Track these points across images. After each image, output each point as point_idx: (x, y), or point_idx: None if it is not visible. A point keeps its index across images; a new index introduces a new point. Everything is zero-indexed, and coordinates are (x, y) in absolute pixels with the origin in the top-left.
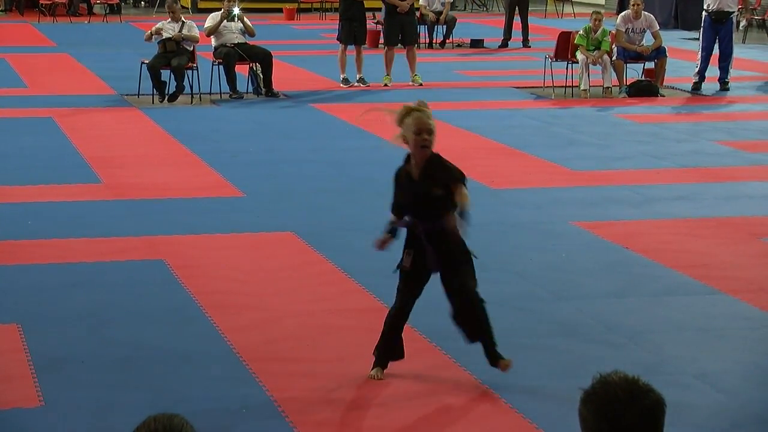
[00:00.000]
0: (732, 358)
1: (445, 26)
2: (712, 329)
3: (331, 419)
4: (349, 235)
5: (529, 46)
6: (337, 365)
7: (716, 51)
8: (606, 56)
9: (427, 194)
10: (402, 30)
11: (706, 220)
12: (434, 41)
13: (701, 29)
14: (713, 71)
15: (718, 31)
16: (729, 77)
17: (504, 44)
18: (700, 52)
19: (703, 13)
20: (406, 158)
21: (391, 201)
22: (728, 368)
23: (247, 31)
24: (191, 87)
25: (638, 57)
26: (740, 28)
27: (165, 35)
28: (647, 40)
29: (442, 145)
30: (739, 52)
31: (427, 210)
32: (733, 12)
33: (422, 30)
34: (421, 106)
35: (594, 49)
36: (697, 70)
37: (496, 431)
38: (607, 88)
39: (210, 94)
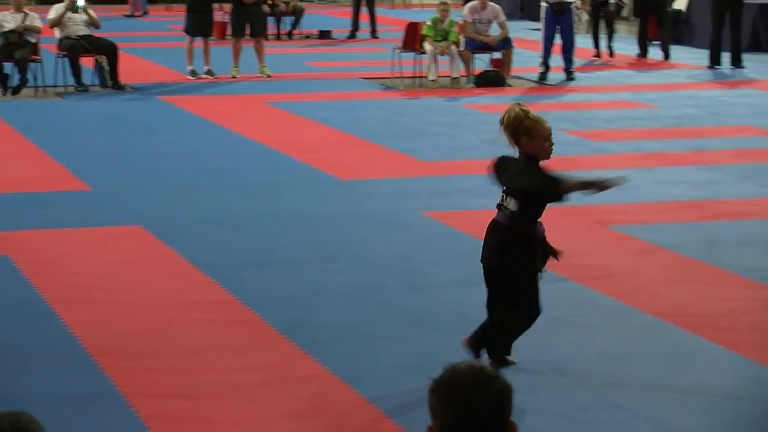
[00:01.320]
0: (580, 344)
1: (293, 17)
2: (560, 316)
3: (181, 412)
4: (199, 228)
5: (377, 37)
6: (186, 359)
7: (560, 41)
8: (453, 47)
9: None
10: (250, 21)
11: (554, 209)
12: (282, 32)
13: (543, 20)
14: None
15: (560, 22)
16: (573, 67)
17: (352, 35)
18: (542, 43)
19: (544, 3)
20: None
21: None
22: (576, 354)
23: (92, 23)
24: (35, 80)
25: (485, 47)
26: (582, 19)
27: (7, 27)
28: (494, 31)
29: (292, 137)
30: (583, 42)
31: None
32: (572, 2)
33: (270, 21)
34: (529, 111)
35: (441, 40)
36: (541, 60)
37: (347, 422)
38: (455, 78)
39: (55, 87)
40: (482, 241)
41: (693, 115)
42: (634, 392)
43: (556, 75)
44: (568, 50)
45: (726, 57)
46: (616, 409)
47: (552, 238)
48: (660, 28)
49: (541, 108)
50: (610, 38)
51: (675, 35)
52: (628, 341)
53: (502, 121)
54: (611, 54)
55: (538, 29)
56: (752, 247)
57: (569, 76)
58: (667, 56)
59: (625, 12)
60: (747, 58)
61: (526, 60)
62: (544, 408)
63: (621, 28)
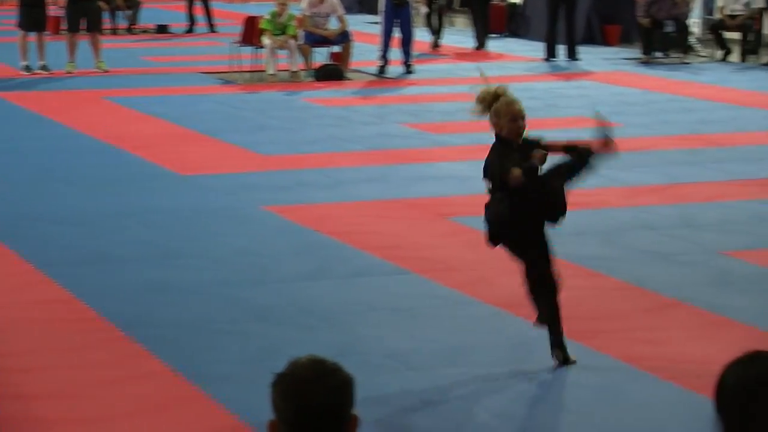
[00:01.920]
0: (422, 336)
1: (130, 11)
2: (403, 309)
3: (18, 413)
4: (34, 226)
5: (216, 31)
6: (21, 358)
7: (399, 35)
8: (292, 41)
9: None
10: (85, 15)
11: (395, 202)
12: (119, 27)
13: (381, 13)
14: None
15: (398, 15)
16: (412, 60)
17: (190, 29)
18: (381, 36)
19: None
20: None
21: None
22: (419, 346)
23: None
24: None
25: (324, 41)
26: (420, 13)
27: None
28: (332, 25)
29: (129, 133)
30: (422, 35)
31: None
32: None
33: (106, 15)
34: (506, 91)
35: (280, 34)
36: (380, 53)
37: (189, 418)
38: (295, 72)
39: None
40: (322, 234)
41: (530, 107)
42: (475, 382)
43: (395, 68)
44: (406, 43)
45: (562, 50)
46: (458, 399)
47: (393, 230)
48: (481, 18)
49: (380, 101)
50: (439, 31)
51: (511, 28)
52: (468, 332)
53: (477, 100)
54: (437, 45)
55: (377, 23)
56: (589, 237)
57: (408, 69)
58: (482, 45)
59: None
60: (582, 50)
61: (365, 53)
62: (388, 399)
63: (459, 21)
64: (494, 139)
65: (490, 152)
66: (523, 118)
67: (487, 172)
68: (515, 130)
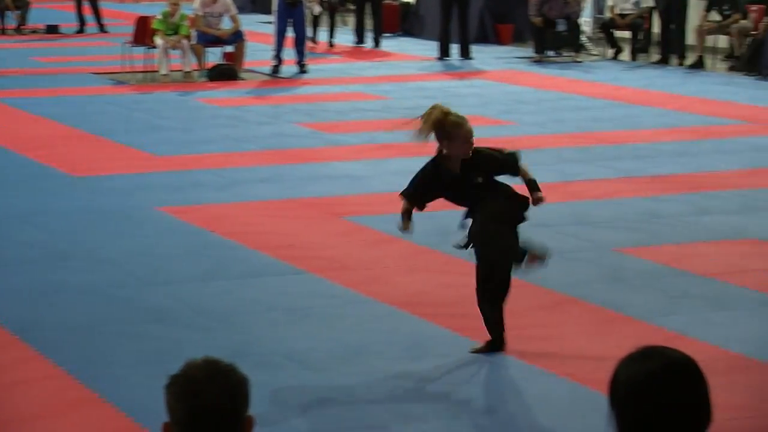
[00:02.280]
0: (318, 335)
1: (18, 11)
2: (298, 308)
3: None
4: None
5: (106, 32)
6: None
7: (293, 34)
8: (185, 41)
9: (471, 184)
10: None
11: (290, 201)
12: (8, 27)
13: (275, 13)
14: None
15: (292, 15)
16: (306, 60)
17: (80, 30)
18: (274, 36)
19: None
20: (439, 157)
21: (409, 190)
22: (314, 346)
23: None
24: None
25: (217, 41)
26: (314, 12)
27: None
28: (226, 24)
29: (20, 134)
30: (321, 36)
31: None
32: None
33: None
34: (451, 112)
35: (173, 34)
36: (273, 53)
37: (86, 422)
38: (188, 72)
39: None
40: (217, 234)
41: (425, 106)
42: (371, 381)
43: (288, 68)
44: (300, 43)
45: (455, 49)
46: (354, 398)
47: (288, 230)
48: (374, 16)
49: (274, 101)
50: (332, 30)
51: (405, 27)
52: (365, 331)
53: (423, 120)
54: (331, 45)
55: (270, 22)
56: None
57: (302, 68)
58: (377, 44)
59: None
60: (475, 49)
61: (258, 53)
62: (284, 400)
63: (351, 20)
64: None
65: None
66: (472, 136)
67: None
68: (465, 151)
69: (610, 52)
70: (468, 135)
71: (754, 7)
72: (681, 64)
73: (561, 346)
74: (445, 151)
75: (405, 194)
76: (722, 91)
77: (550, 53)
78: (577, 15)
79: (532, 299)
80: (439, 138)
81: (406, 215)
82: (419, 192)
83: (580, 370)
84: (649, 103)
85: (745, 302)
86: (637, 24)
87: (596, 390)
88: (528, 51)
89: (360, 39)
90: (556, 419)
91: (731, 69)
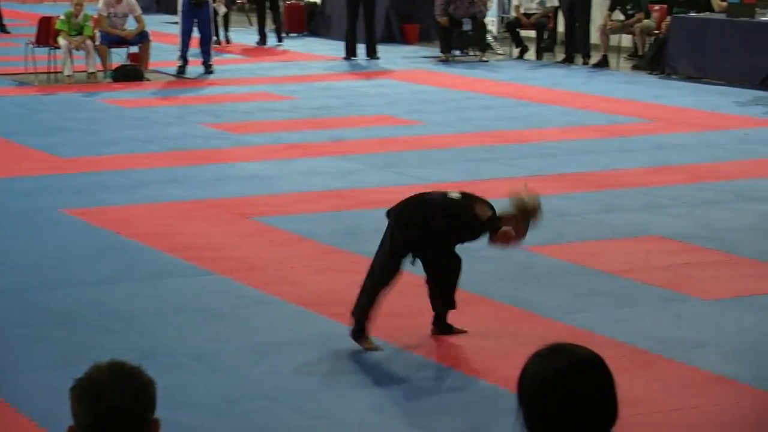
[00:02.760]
0: (226, 336)
1: None
2: (206, 310)
3: None
4: None
5: (8, 32)
6: None
7: (198, 35)
8: (89, 41)
9: None
10: None
11: (197, 202)
12: None
13: (180, 13)
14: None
15: (197, 15)
16: (212, 60)
17: None
18: (180, 36)
19: None
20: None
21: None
22: (223, 347)
23: None
24: None
25: (122, 41)
26: (220, 13)
27: None
28: (130, 25)
29: None
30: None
31: None
32: None
33: None
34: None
35: (76, 34)
36: (179, 54)
37: None
38: (92, 73)
39: None
40: (123, 236)
41: (331, 105)
42: (281, 382)
43: (194, 68)
44: (206, 43)
45: (361, 49)
46: (263, 399)
47: (195, 231)
48: (273, 14)
49: (180, 102)
50: (226, 27)
51: (311, 28)
52: (274, 332)
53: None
54: (227, 42)
55: (176, 22)
56: None
57: (208, 69)
58: (279, 40)
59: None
60: (381, 49)
61: (164, 54)
62: (192, 402)
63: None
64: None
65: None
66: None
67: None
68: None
69: (516, 51)
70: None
71: (656, 7)
72: (586, 63)
73: (470, 345)
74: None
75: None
76: (626, 89)
77: (457, 53)
78: (483, 15)
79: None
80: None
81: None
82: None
83: (488, 368)
84: (555, 102)
85: (650, 299)
86: (542, 23)
87: (504, 388)
88: (434, 50)
89: (262, 38)
90: (462, 417)
91: (635, 68)
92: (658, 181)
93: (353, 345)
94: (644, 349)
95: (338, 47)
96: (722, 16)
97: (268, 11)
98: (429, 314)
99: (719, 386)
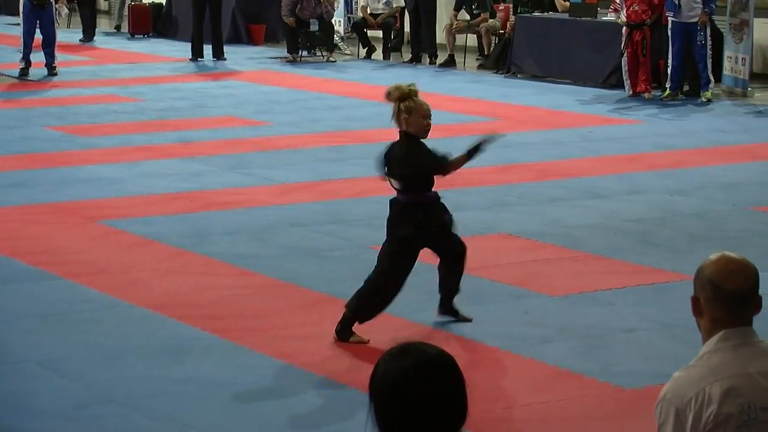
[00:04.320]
0: (74, 341)
1: None
2: (52, 314)
3: None
4: None
5: None
6: None
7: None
8: None
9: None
10: None
11: (42, 206)
12: None
13: (21, 14)
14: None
15: (39, 16)
16: (55, 62)
17: None
18: (22, 38)
19: None
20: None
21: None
22: (71, 352)
23: None
24: None
25: None
26: (62, 14)
27: None
28: None
29: None
30: (66, 36)
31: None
32: None
33: None
34: (415, 90)
35: None
36: (21, 56)
37: None
38: None
39: None
40: None
41: (178, 107)
42: (131, 386)
43: (37, 70)
44: (48, 45)
45: (208, 50)
46: (113, 404)
47: (41, 235)
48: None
49: (24, 104)
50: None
51: (158, 29)
52: (122, 335)
53: (387, 96)
54: None
55: (18, 24)
56: (241, 236)
57: (51, 71)
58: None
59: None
60: (228, 50)
61: (6, 56)
62: (41, 409)
63: (102, 21)
64: (402, 136)
65: (409, 147)
66: (430, 116)
67: (408, 165)
68: (424, 128)
69: (363, 51)
70: (425, 111)
71: (501, 7)
72: (432, 63)
73: (320, 345)
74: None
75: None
76: (472, 88)
77: (304, 53)
78: (330, 15)
79: (290, 299)
80: (399, 113)
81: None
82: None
83: (339, 368)
84: None
85: (499, 296)
86: (389, 24)
87: (355, 387)
88: (281, 51)
89: (87, 35)
90: (316, 418)
91: (481, 67)
92: (506, 179)
93: (202, 346)
94: (494, 346)
95: (185, 48)
96: (565, 16)
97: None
98: (281, 314)
99: (566, 381)
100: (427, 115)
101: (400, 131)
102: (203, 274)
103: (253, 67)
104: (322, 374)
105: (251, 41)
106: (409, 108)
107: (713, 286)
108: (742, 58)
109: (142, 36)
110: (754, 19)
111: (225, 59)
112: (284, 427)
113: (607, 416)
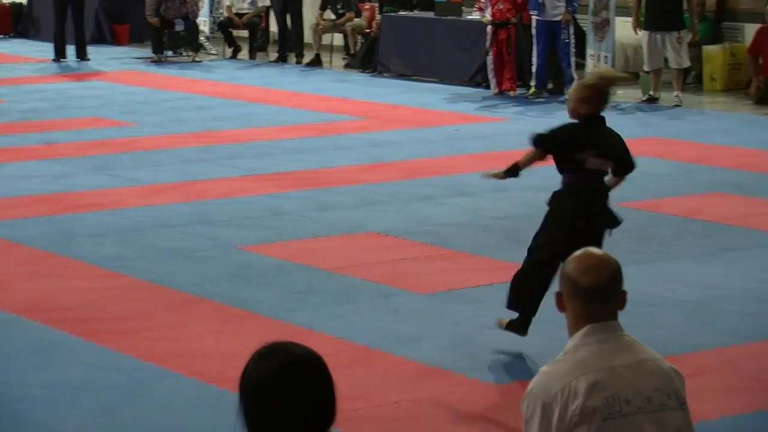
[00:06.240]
0: None
1: None
2: None
3: None
4: None
5: None
6: None
7: None
8: None
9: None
10: None
11: None
12: None
13: None
14: None
15: None
16: None
17: None
18: None
19: None
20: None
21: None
22: None
23: None
24: None
25: None
26: None
27: None
28: None
29: None
30: None
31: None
32: None
33: None
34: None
35: None
36: None
37: None
38: None
39: None
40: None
41: (41, 108)
42: None
43: None
44: None
45: (71, 50)
46: None
47: None
48: None
49: None
50: None
51: (19, 29)
52: None
53: (591, 85)
54: None
55: None
56: (107, 237)
57: None
58: None
59: None
60: (92, 50)
61: None
62: None
63: None
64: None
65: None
66: None
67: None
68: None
69: (229, 51)
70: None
71: (366, 6)
72: (299, 63)
73: (189, 346)
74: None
75: (538, 139)
76: (339, 88)
77: (169, 53)
78: (195, 15)
79: (158, 301)
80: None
81: (513, 169)
82: (557, 139)
83: (208, 370)
84: (269, 102)
85: (368, 295)
86: (255, 23)
87: (224, 388)
88: (146, 51)
89: None
90: (184, 420)
91: (347, 66)
92: (373, 178)
93: (69, 349)
94: (363, 344)
95: (47, 49)
96: (431, 15)
97: None
98: (149, 317)
99: (436, 378)
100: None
101: (580, 115)
102: (69, 276)
103: (118, 68)
104: (192, 375)
105: (115, 42)
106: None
107: (571, 281)
108: (605, 57)
109: (2, 36)
110: (616, 18)
111: (89, 60)
112: (154, 429)
113: (476, 412)
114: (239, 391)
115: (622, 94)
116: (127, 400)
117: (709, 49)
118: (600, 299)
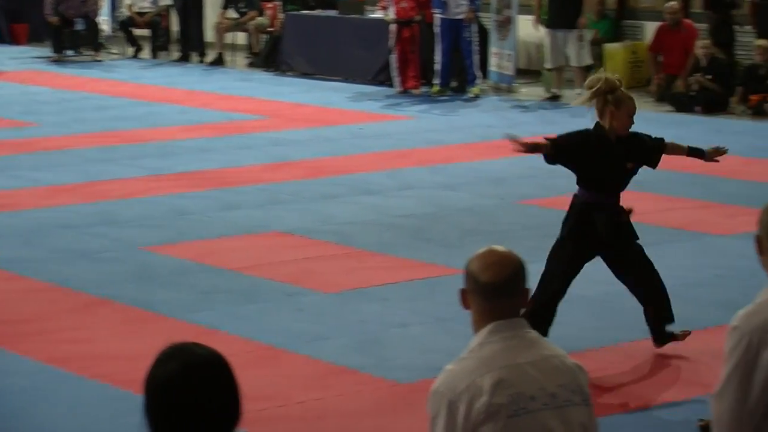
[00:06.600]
0: None
1: None
2: None
3: None
4: None
5: None
6: None
7: None
8: None
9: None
10: None
11: None
12: None
13: None
14: None
15: None
16: None
17: None
18: None
19: None
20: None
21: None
22: None
23: None
24: None
25: None
26: None
27: None
28: None
29: None
30: None
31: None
32: None
33: None
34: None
35: None
36: None
37: None
38: None
39: None
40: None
41: None
42: None
43: None
44: None
45: None
46: None
47: None
48: None
49: None
50: None
51: None
52: None
53: (592, 87)
54: None
55: None
56: (8, 239)
57: None
58: None
59: None
60: None
61: None
62: None
63: None
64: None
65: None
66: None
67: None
68: (627, 127)
69: (131, 50)
70: (633, 110)
71: (269, 5)
72: (201, 62)
73: (92, 348)
74: (605, 124)
75: (554, 140)
76: (242, 87)
77: (69, 53)
78: (96, 14)
79: (60, 302)
80: (605, 105)
81: (533, 145)
82: (568, 144)
83: (112, 371)
84: (171, 101)
85: (273, 294)
86: (156, 22)
87: (128, 390)
88: (46, 51)
89: None
90: (87, 422)
91: (250, 65)
92: (277, 177)
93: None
94: (268, 344)
95: None
96: (334, 13)
97: None
98: (52, 319)
99: (342, 377)
100: (632, 114)
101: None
102: None
103: (17, 68)
104: (95, 378)
105: (13, 41)
106: (618, 100)
107: (473, 277)
108: (508, 55)
109: None
110: (518, 17)
111: None
112: None
113: (382, 411)
114: (143, 392)
115: (525, 92)
116: (29, 404)
117: (611, 47)
118: (503, 296)
